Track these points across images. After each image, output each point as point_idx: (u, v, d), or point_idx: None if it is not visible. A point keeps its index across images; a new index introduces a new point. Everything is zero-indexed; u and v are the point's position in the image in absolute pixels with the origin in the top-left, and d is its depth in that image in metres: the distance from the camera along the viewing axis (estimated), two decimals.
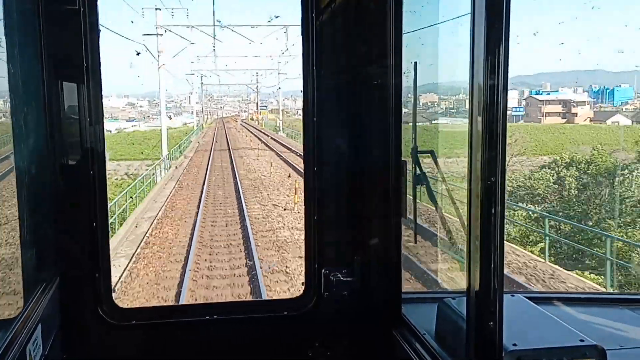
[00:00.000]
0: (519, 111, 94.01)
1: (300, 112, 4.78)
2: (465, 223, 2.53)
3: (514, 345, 2.56)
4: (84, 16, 3.16)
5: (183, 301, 13.90)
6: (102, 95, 3.31)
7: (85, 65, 3.20)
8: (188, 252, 18.01)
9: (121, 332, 3.45)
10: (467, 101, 2.48)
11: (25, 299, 2.90)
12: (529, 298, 3.23)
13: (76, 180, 3.29)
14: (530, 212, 27.11)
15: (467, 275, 2.52)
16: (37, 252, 3.19)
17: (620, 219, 26.17)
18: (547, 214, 24.88)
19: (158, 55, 44.35)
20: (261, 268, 15.80)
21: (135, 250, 18.61)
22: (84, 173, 3.28)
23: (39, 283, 3.11)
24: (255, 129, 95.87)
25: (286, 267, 16.37)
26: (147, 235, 20.64)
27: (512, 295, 3.22)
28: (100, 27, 3.25)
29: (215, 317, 3.58)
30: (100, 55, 3.26)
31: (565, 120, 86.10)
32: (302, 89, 3.58)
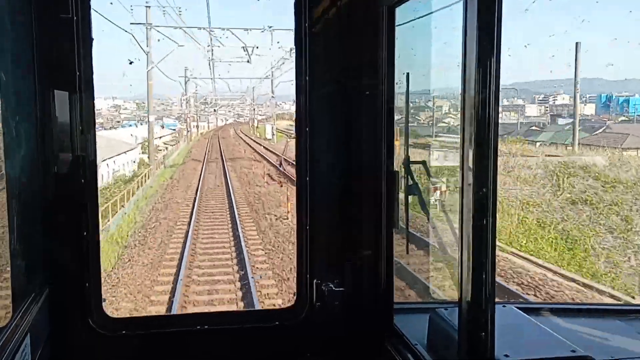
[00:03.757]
0: None
1: None
2: (457, 233, 2.54)
3: (506, 355, 2.57)
4: (77, 25, 3.16)
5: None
6: (94, 104, 3.30)
7: (77, 73, 3.19)
8: None
9: (111, 342, 3.42)
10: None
11: (14, 309, 2.87)
12: (521, 308, 3.25)
13: (67, 189, 3.28)
14: None
15: (458, 285, 2.52)
16: (27, 261, 3.16)
17: None
18: None
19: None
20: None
21: None
22: (75, 182, 3.27)
23: (28, 293, 3.08)
24: None
25: None
26: None
27: (504, 306, 3.23)
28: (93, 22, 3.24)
29: (206, 327, 3.56)
30: (93, 64, 3.26)
31: None
32: (294, 98, 3.59)
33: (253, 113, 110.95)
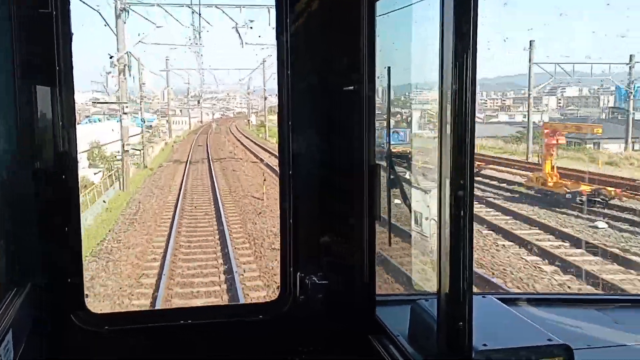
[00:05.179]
0: None
1: None
2: (436, 226, 2.59)
3: (484, 345, 2.61)
4: (57, 20, 3.14)
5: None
6: (74, 99, 3.29)
7: (57, 68, 3.17)
8: None
9: (94, 338, 3.42)
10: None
11: None
12: (500, 299, 3.30)
13: (48, 184, 3.26)
14: None
15: (437, 277, 2.57)
16: (7, 256, 3.15)
17: None
18: None
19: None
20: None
21: None
22: (56, 177, 3.25)
23: (10, 288, 3.07)
24: None
25: None
26: None
27: (483, 297, 3.28)
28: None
29: (190, 321, 3.57)
30: (73, 59, 3.25)
31: None
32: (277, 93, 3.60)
33: (263, 102, 74.13)
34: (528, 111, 48.01)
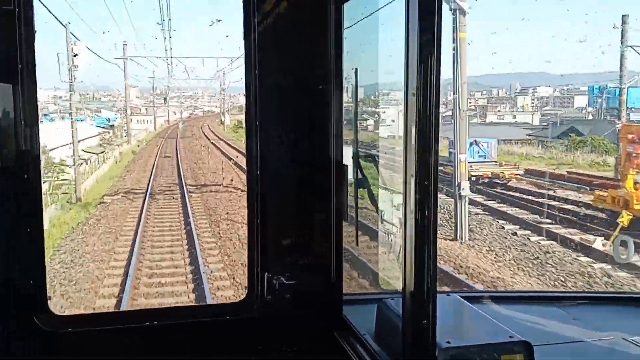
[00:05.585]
0: None
1: None
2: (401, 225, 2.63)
3: (448, 342, 2.67)
4: (19, 17, 3.09)
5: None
6: (37, 97, 3.23)
7: (20, 66, 3.12)
8: None
9: (57, 340, 3.36)
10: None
11: None
12: (464, 297, 3.38)
13: (10, 184, 3.19)
14: None
15: (402, 275, 2.61)
16: None
17: None
18: None
19: None
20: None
21: None
22: (18, 176, 3.19)
23: None
24: None
25: None
26: None
27: (448, 295, 3.35)
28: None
29: (155, 323, 3.53)
30: (36, 56, 3.19)
31: None
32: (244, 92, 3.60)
33: (238, 100, 63.57)
34: (620, 110, 36.80)
